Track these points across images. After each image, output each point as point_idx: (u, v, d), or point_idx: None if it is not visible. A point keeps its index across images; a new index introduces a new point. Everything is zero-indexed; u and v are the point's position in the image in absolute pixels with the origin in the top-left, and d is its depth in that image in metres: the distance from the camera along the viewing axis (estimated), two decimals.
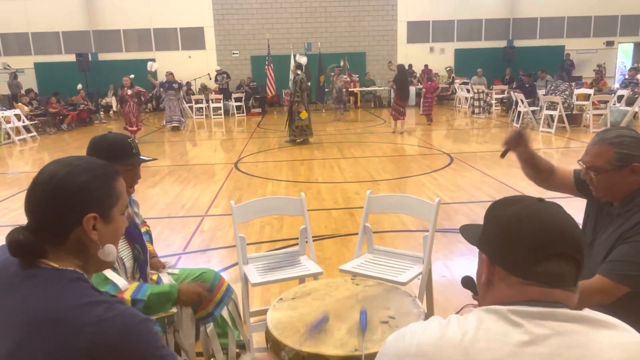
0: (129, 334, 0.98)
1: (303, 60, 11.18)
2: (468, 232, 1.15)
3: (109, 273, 1.85)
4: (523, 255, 0.95)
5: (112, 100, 17.27)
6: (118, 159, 1.96)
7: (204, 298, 2.11)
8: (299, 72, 10.01)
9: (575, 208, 1.03)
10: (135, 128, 11.25)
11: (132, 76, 11.47)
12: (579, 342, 0.90)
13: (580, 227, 1.96)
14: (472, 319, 0.95)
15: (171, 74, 13.08)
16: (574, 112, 11.00)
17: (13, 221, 5.42)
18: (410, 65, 19.04)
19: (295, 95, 9.87)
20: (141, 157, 2.07)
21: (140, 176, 2.07)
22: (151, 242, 2.43)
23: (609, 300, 1.64)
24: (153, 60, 14.24)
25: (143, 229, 2.29)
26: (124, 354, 0.97)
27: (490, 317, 0.94)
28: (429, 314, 2.87)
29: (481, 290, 1.06)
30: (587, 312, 0.95)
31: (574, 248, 0.95)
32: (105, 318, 0.96)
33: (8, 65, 17.75)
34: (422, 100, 13.18)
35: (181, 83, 13.59)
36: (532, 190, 6.20)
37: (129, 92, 10.99)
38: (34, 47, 19.03)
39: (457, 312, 3.02)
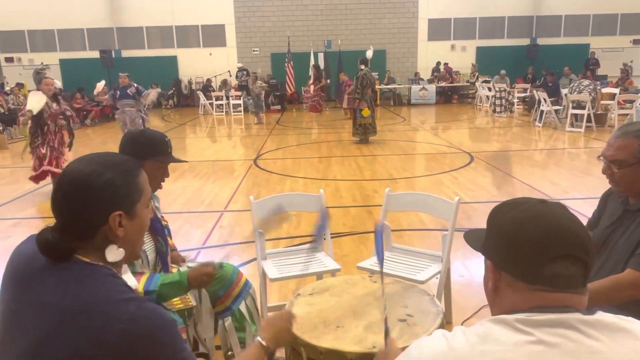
0: (158, 332, 1.00)
1: (369, 54, 10.37)
2: (472, 238, 1.12)
3: (123, 270, 1.88)
4: (528, 259, 0.93)
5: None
6: (154, 155, 2.00)
7: (214, 276, 2.11)
8: (362, 67, 9.34)
9: (580, 209, 1.00)
10: (52, 167, 6.29)
11: (56, 82, 7.85)
12: (595, 349, 0.87)
13: (586, 225, 1.93)
14: (479, 330, 0.93)
15: (126, 76, 9.67)
16: (598, 112, 10.78)
17: (38, 213, 5.55)
18: (438, 63, 18.91)
19: (356, 91, 9.42)
20: (174, 157, 2.11)
21: (169, 175, 2.10)
22: (170, 236, 2.47)
23: None
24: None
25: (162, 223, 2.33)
26: (151, 352, 0.99)
27: (498, 327, 0.92)
28: (447, 313, 2.85)
29: (489, 298, 1.04)
30: (601, 315, 0.92)
31: (580, 249, 0.93)
32: (137, 315, 0.98)
33: (46, 65, 18.01)
34: (345, 97, 13.99)
35: (139, 88, 9.63)
36: (555, 190, 6.08)
37: (54, 108, 6.36)
38: (59, 44, 19.41)
39: (475, 313, 3.00)
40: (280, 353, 2.51)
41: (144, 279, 1.92)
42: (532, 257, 0.93)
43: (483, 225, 1.08)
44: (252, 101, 14.41)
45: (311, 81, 15.23)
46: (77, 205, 1.06)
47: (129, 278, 1.89)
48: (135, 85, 9.61)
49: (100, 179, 1.07)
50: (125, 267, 1.91)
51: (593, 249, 0.95)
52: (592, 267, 0.96)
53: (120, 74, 9.75)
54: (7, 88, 15.35)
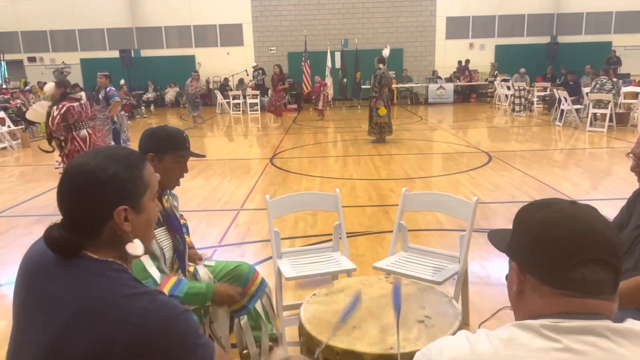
0: (171, 324, 1.00)
1: (386, 52, 10.35)
2: (496, 237, 1.08)
3: (148, 264, 1.90)
4: (555, 262, 0.89)
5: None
6: (173, 149, 2.02)
7: (236, 299, 2.15)
8: (380, 65, 9.30)
9: (601, 211, 0.95)
10: None
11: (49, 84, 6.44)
12: (625, 359, 0.84)
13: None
14: (503, 334, 0.90)
15: (104, 76, 7.46)
16: (620, 111, 10.55)
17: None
18: (459, 62, 18.71)
19: (374, 90, 9.39)
20: (193, 152, 2.13)
21: (188, 170, 2.11)
22: (188, 234, 2.48)
23: None
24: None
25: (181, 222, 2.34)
26: (166, 344, 0.99)
27: (522, 332, 0.89)
28: (464, 315, 2.82)
29: (513, 301, 1.00)
30: (632, 324, 0.89)
31: (610, 253, 0.88)
32: (149, 309, 0.98)
33: (67, 65, 18.31)
34: (321, 98, 14.36)
35: (109, 93, 7.34)
36: (575, 190, 5.98)
37: (56, 111, 5.57)
38: (80, 44, 19.73)
39: (493, 315, 2.96)
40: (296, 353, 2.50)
41: (171, 282, 1.93)
42: (561, 259, 0.88)
43: (501, 225, 1.06)
44: (189, 102, 13.86)
45: (275, 82, 14.78)
46: (82, 199, 1.04)
47: (153, 272, 1.90)
48: (107, 88, 7.39)
49: (104, 172, 1.05)
50: (149, 261, 1.92)
51: (624, 254, 0.91)
52: (622, 272, 0.92)
53: (98, 73, 7.58)
54: (27, 87, 15.66)
